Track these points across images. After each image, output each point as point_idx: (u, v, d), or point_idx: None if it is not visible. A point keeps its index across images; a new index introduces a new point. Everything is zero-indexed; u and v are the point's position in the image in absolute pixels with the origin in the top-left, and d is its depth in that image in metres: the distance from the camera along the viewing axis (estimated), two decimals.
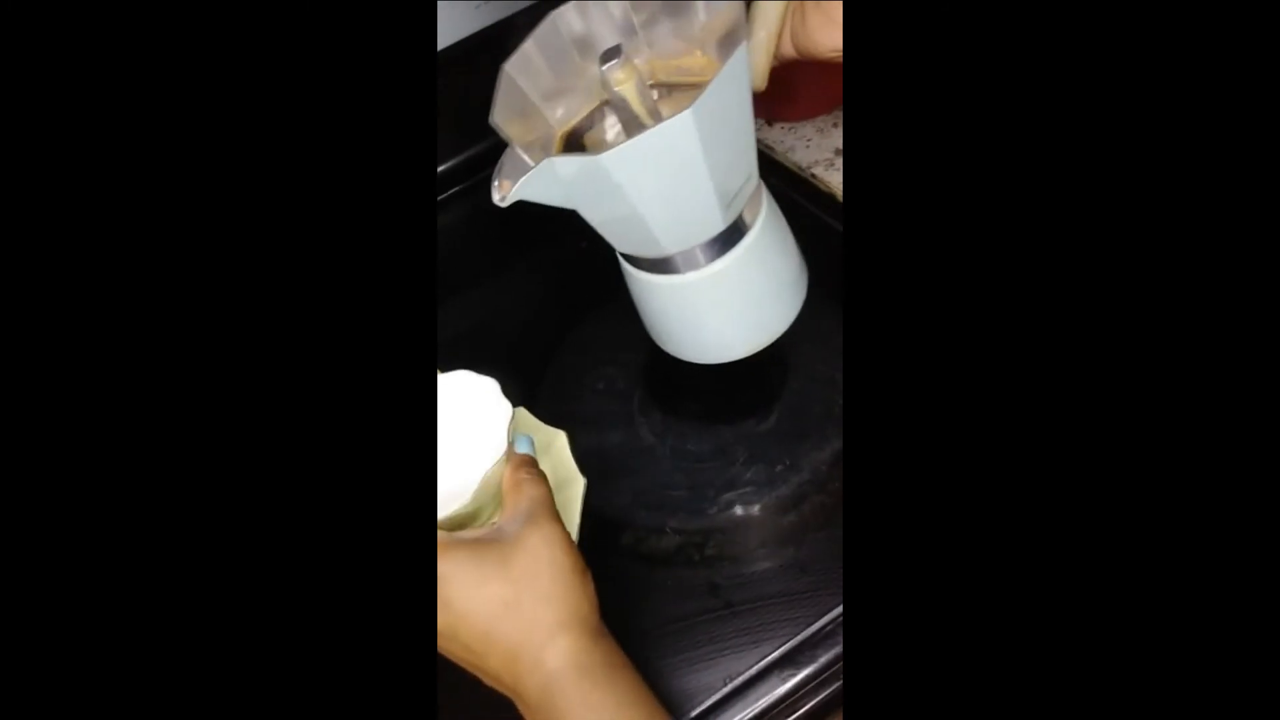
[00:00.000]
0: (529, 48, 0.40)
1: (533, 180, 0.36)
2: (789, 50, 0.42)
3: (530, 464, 0.40)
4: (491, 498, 0.40)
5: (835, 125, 0.63)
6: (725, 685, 0.40)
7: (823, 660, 0.40)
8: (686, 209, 0.39)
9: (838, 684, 0.40)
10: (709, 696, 0.40)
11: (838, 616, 0.41)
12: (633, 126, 0.40)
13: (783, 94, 0.63)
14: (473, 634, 0.34)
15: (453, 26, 0.60)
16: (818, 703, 0.40)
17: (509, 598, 0.34)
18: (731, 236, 0.41)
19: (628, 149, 0.34)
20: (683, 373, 0.53)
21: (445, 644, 0.35)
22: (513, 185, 0.36)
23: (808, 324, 0.52)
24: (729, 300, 0.44)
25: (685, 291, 0.43)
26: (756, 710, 0.39)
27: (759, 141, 0.63)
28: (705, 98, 0.34)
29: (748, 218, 0.42)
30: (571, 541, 0.37)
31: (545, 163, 0.35)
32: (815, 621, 0.41)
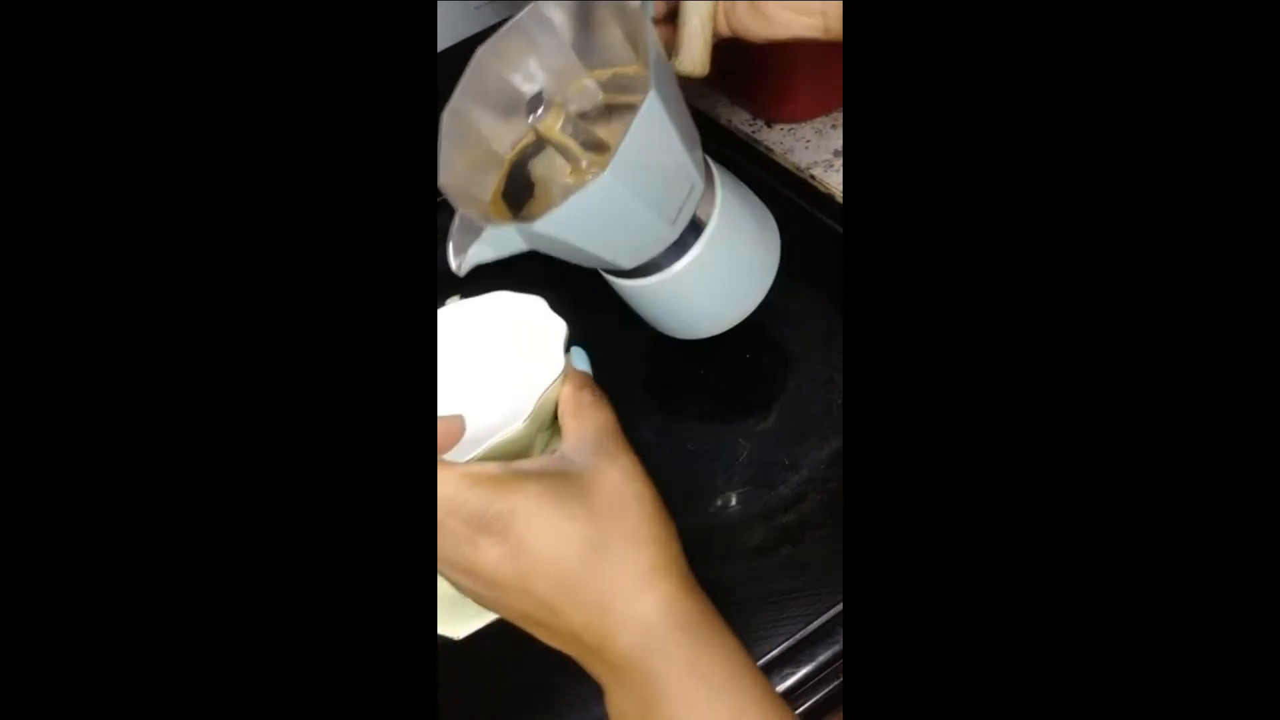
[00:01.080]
0: (459, 99, 0.41)
1: (483, 247, 0.36)
2: (725, 30, 0.41)
3: (591, 384, 0.35)
4: (549, 423, 0.36)
5: (834, 127, 0.63)
6: None
7: (822, 658, 0.40)
8: (634, 238, 0.40)
9: (837, 682, 0.40)
10: None
11: (837, 614, 0.41)
12: (573, 161, 0.40)
13: (782, 95, 0.63)
14: (551, 584, 0.29)
15: (453, 26, 0.60)
16: (818, 701, 0.40)
17: (595, 540, 0.29)
18: (688, 238, 0.42)
19: (558, 213, 0.34)
20: (683, 372, 0.53)
21: (510, 598, 0.30)
22: (466, 253, 0.37)
23: (808, 324, 0.53)
24: (700, 290, 0.45)
25: (656, 289, 0.44)
26: None
27: (759, 143, 0.63)
28: (623, 152, 0.33)
29: (702, 214, 0.43)
30: (649, 477, 0.32)
31: (487, 232, 0.35)
32: (815, 620, 0.41)
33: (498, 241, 0.36)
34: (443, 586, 0.44)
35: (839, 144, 0.61)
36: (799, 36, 0.41)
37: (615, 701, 0.29)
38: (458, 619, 0.42)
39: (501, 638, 0.42)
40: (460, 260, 0.37)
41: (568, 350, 0.37)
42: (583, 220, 0.36)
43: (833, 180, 0.59)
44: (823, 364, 0.51)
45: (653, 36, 0.36)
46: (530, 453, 0.36)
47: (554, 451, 0.33)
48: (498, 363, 0.38)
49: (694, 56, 0.41)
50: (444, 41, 0.59)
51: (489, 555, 0.29)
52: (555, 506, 0.29)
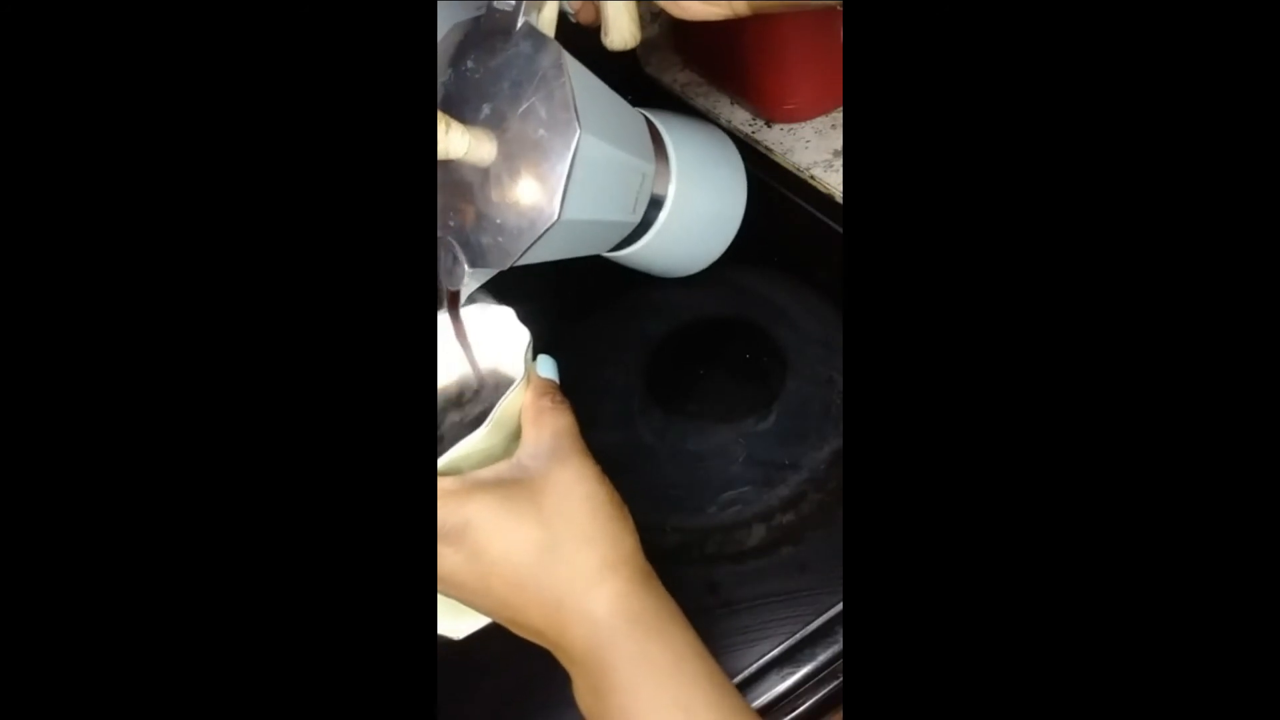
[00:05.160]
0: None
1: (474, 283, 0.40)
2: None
3: (552, 391, 0.36)
4: (512, 430, 0.36)
5: (834, 126, 0.63)
6: None
7: (822, 659, 0.40)
8: (601, 241, 0.44)
9: (837, 682, 0.40)
10: None
11: (837, 614, 0.41)
12: None
13: (781, 95, 0.63)
14: (508, 585, 0.31)
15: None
16: (817, 701, 0.40)
17: (545, 541, 0.30)
18: (651, 213, 0.45)
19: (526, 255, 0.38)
20: (683, 373, 0.53)
21: (476, 599, 0.32)
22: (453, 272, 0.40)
23: (808, 324, 0.53)
24: (675, 247, 0.49)
25: (634, 258, 0.48)
26: (756, 708, 0.40)
27: (759, 143, 0.63)
28: (567, 205, 0.36)
29: (659, 189, 0.45)
30: (604, 476, 0.33)
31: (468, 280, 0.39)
32: (815, 620, 0.41)
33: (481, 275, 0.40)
34: None
35: (839, 144, 0.61)
36: (707, 17, 0.41)
37: (577, 688, 0.31)
38: (458, 619, 0.42)
39: (501, 638, 0.42)
40: (450, 277, 0.40)
41: (536, 358, 0.38)
42: (543, 252, 0.38)
43: (833, 180, 0.59)
44: (823, 364, 0.51)
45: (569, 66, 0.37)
46: (499, 458, 0.37)
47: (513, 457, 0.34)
48: (465, 371, 0.40)
49: (622, 34, 0.42)
50: None
51: (450, 562, 0.31)
52: (507, 512, 0.31)
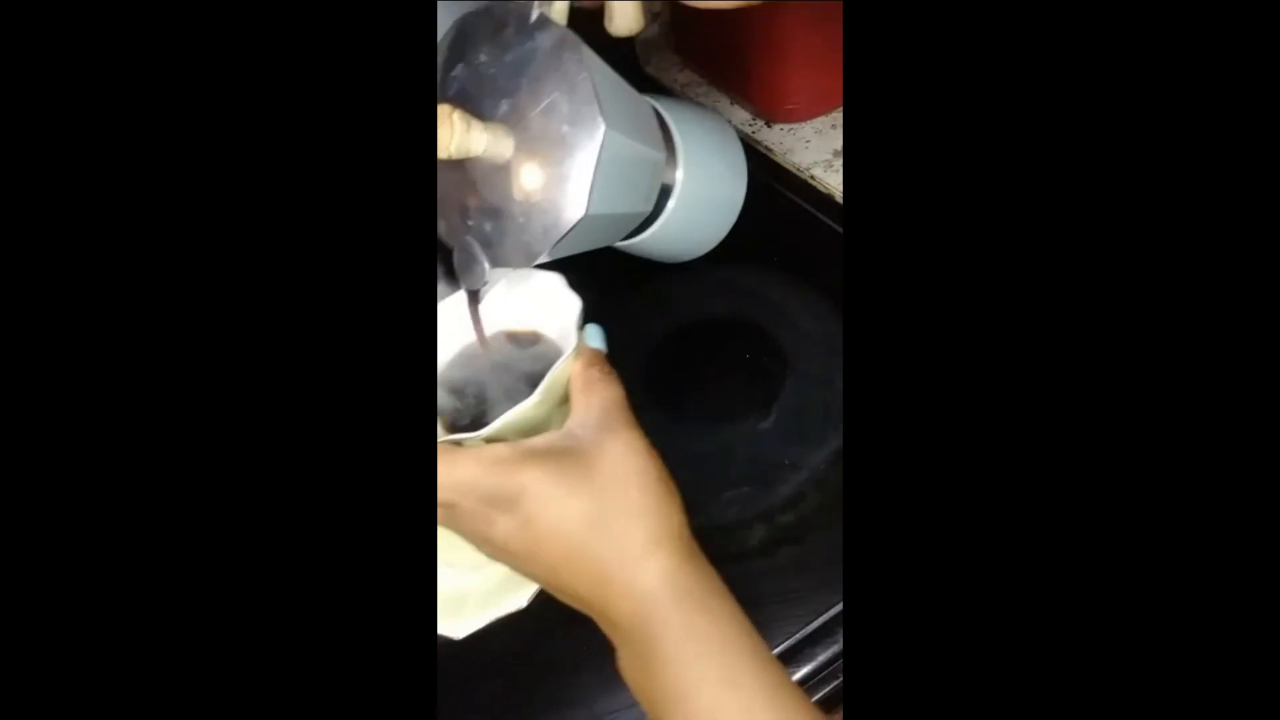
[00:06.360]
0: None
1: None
2: None
3: (601, 361, 0.36)
4: (559, 399, 0.37)
5: (834, 126, 0.63)
6: None
7: (822, 658, 0.40)
8: (617, 233, 0.45)
9: (837, 682, 0.40)
10: None
11: (837, 614, 0.41)
12: None
13: (782, 95, 0.63)
14: (557, 554, 0.31)
15: None
16: (817, 701, 0.40)
17: (595, 513, 0.31)
18: (659, 201, 0.46)
19: (555, 248, 0.38)
20: (683, 373, 0.53)
21: (524, 565, 0.33)
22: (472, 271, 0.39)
23: (807, 324, 0.53)
24: (681, 233, 0.49)
25: (641, 246, 0.49)
26: None
27: (759, 143, 0.63)
28: (593, 200, 0.36)
29: (667, 177, 0.46)
30: (653, 449, 0.33)
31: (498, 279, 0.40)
32: (815, 619, 0.41)
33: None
34: (443, 586, 0.44)
35: (839, 144, 0.61)
36: (721, 5, 0.41)
37: (622, 658, 0.32)
38: (458, 619, 0.42)
39: (501, 638, 0.42)
40: (470, 276, 0.39)
41: (583, 327, 0.38)
42: (563, 248, 0.38)
43: (833, 180, 0.59)
44: (823, 364, 0.51)
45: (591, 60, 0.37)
46: (547, 427, 0.37)
47: (563, 427, 0.34)
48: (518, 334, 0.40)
49: (627, 20, 0.41)
50: None
51: (502, 528, 0.32)
52: (560, 483, 0.31)
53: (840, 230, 0.56)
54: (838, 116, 0.64)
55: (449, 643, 0.42)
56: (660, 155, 0.43)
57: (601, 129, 0.35)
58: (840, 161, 0.60)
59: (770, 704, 0.29)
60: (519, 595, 0.42)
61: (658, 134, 0.43)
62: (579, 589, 0.32)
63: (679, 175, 0.46)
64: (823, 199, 0.59)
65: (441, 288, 0.43)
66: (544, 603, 0.43)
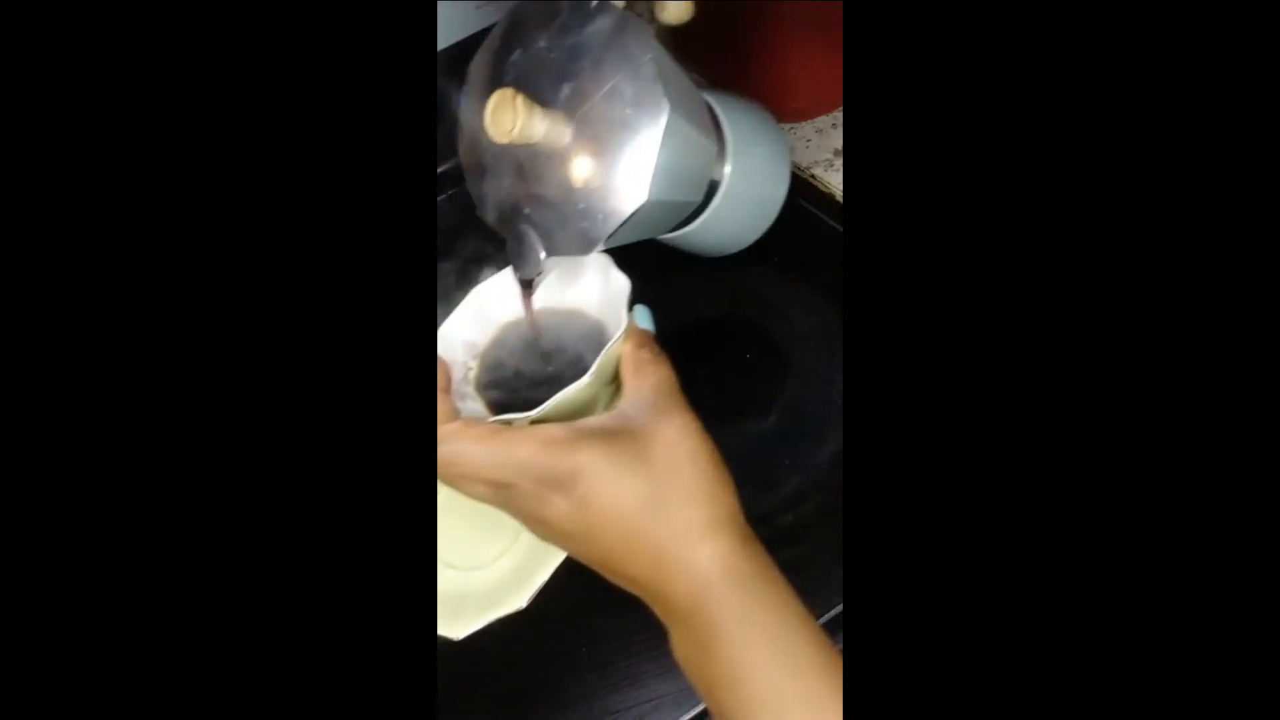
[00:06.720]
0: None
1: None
2: None
3: (651, 342, 0.36)
4: (608, 380, 0.37)
5: (835, 125, 0.63)
6: None
7: None
8: (672, 220, 0.44)
9: None
10: None
11: (838, 614, 0.41)
12: None
13: (782, 94, 0.63)
14: (612, 535, 0.31)
15: (453, 26, 0.60)
16: None
17: (651, 495, 0.31)
18: (709, 193, 0.45)
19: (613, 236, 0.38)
20: (683, 373, 0.53)
21: (578, 546, 0.33)
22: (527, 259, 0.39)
23: (807, 324, 0.53)
24: (725, 227, 0.49)
25: (686, 239, 0.48)
26: None
27: None
28: (655, 177, 0.35)
29: (716, 173, 0.45)
30: (705, 432, 0.33)
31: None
32: (815, 619, 0.41)
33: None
34: (443, 587, 0.44)
35: (839, 143, 0.61)
36: None
37: (677, 641, 0.32)
38: (458, 619, 0.42)
39: (501, 638, 0.42)
40: (526, 265, 0.39)
41: (633, 309, 0.38)
42: (621, 236, 0.38)
43: (833, 180, 0.59)
44: (823, 364, 0.51)
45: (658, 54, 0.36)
46: (594, 407, 0.37)
47: (615, 408, 0.35)
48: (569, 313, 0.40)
49: (679, 11, 0.41)
50: (444, 41, 0.59)
51: (558, 509, 0.32)
52: (616, 464, 0.31)
53: (840, 229, 0.56)
54: (838, 116, 0.63)
55: (449, 643, 0.42)
56: (713, 146, 0.42)
57: (666, 110, 0.35)
58: (841, 160, 0.60)
59: (834, 692, 0.28)
60: (519, 595, 0.42)
61: (710, 125, 0.43)
62: (633, 570, 0.31)
63: (727, 169, 0.46)
64: (823, 198, 0.59)
65: (488, 275, 0.43)
66: (544, 603, 0.43)
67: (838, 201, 0.58)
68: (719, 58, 0.66)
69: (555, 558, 0.44)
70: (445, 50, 0.59)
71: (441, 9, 0.58)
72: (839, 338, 0.51)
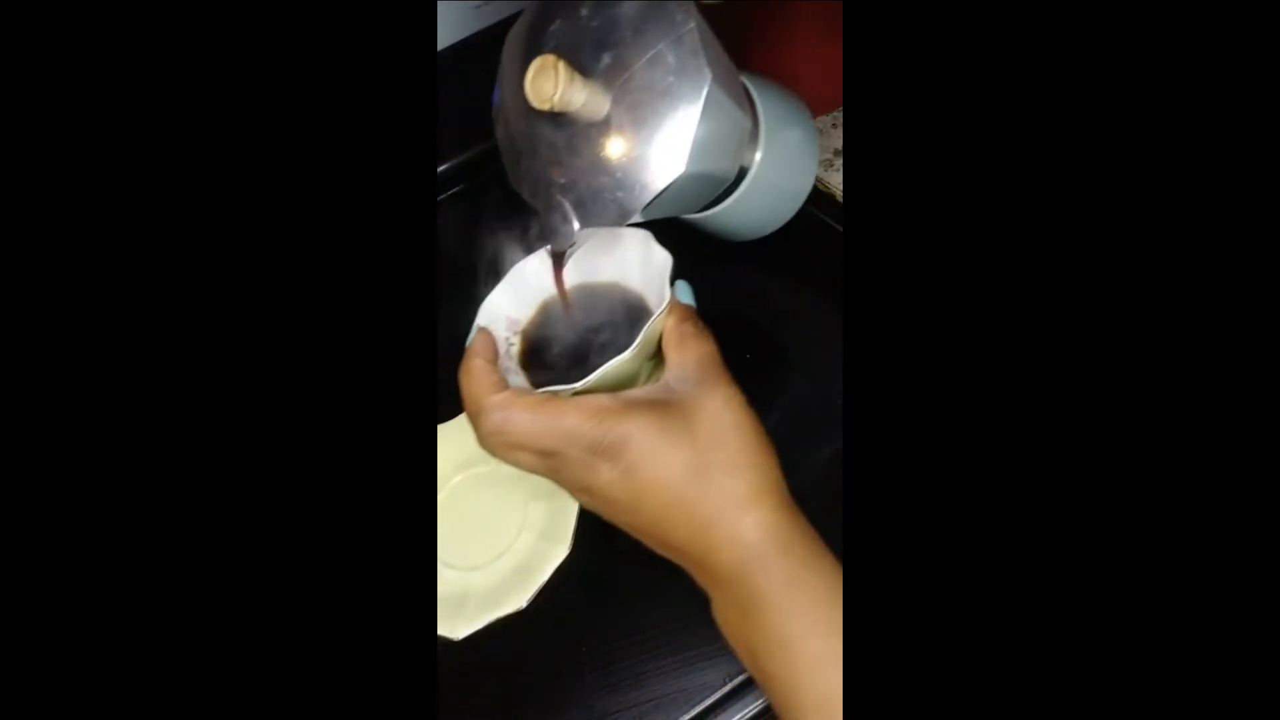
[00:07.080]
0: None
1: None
2: None
3: (692, 316, 0.37)
4: (653, 352, 0.37)
5: (835, 125, 0.63)
6: (725, 684, 0.40)
7: None
8: (707, 197, 0.43)
9: None
10: (709, 695, 0.40)
11: None
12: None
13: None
14: (658, 504, 0.32)
15: (453, 26, 0.60)
16: None
17: (697, 464, 0.31)
18: (740, 173, 0.44)
19: (648, 210, 0.37)
20: None
21: (624, 515, 0.33)
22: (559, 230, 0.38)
23: (807, 324, 0.53)
24: (754, 209, 0.48)
25: (714, 220, 0.47)
26: (756, 709, 0.39)
27: None
28: (693, 150, 0.35)
29: (747, 156, 0.44)
30: (748, 404, 0.34)
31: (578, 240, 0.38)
32: None
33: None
34: (442, 586, 0.44)
35: (839, 143, 0.61)
36: None
37: (718, 607, 0.33)
38: (458, 619, 0.42)
39: (501, 638, 0.42)
40: (558, 236, 0.38)
41: (673, 283, 0.38)
42: (657, 208, 0.37)
43: (833, 180, 0.59)
44: (823, 364, 0.51)
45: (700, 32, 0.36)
46: (636, 381, 0.37)
47: (658, 381, 0.35)
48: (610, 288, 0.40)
49: None
50: (444, 41, 0.59)
51: (605, 477, 0.33)
52: (662, 434, 0.32)
53: (841, 229, 0.56)
54: (838, 116, 0.63)
55: (449, 643, 0.42)
56: (748, 122, 0.42)
57: (708, 79, 0.35)
58: (841, 160, 0.60)
59: None
60: (519, 596, 0.42)
61: (745, 101, 0.43)
62: (677, 538, 0.32)
63: (759, 151, 0.45)
64: (824, 198, 0.59)
65: (521, 248, 0.43)
66: (544, 603, 0.43)
67: (838, 201, 0.58)
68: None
69: (555, 558, 0.44)
70: (445, 50, 0.59)
71: (441, 9, 0.58)
72: (839, 338, 0.51)
